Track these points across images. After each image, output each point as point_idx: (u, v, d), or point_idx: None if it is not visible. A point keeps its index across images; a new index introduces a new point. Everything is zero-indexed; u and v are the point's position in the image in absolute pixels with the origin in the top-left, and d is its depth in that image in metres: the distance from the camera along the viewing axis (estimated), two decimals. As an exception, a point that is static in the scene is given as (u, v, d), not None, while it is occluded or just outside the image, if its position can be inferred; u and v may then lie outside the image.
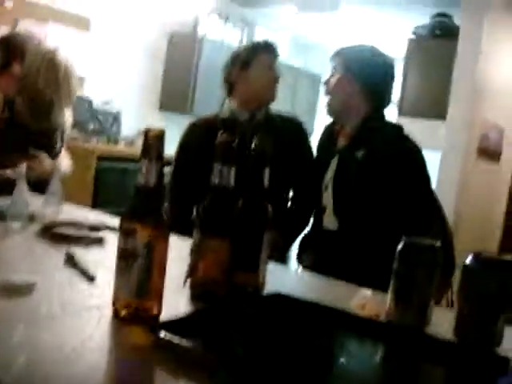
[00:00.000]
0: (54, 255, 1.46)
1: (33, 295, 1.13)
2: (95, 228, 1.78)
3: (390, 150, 2.06)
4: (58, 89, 2.54)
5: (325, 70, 2.31)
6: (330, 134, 2.28)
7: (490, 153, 5.23)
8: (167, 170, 2.36)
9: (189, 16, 6.34)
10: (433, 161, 4.85)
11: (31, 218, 1.79)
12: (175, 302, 1.18)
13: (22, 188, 1.80)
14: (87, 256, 1.45)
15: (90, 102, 5.36)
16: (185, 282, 1.24)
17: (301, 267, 2.22)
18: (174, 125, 5.89)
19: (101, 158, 4.93)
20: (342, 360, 1.07)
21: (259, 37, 6.93)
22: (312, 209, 2.24)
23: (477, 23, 4.67)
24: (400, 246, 1.23)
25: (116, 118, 5.63)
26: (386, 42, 6.62)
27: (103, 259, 1.44)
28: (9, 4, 4.78)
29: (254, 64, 2.36)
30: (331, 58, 2.20)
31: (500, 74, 5.16)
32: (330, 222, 2.13)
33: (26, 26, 4.67)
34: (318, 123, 6.93)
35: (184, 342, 0.92)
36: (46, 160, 2.63)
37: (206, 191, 1.22)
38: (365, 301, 1.29)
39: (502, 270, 1.15)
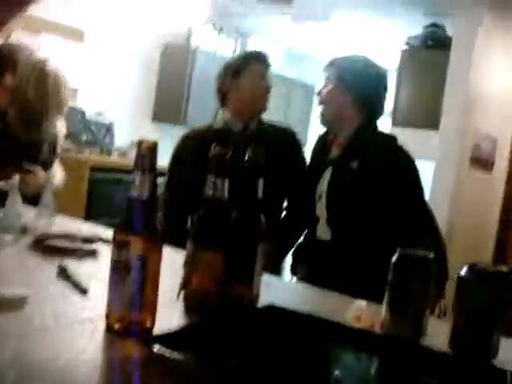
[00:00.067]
0: (47, 268, 1.44)
1: (25, 308, 1.11)
2: (88, 240, 1.77)
3: (383, 160, 2.06)
4: (47, 99, 2.54)
5: (318, 80, 2.32)
6: (323, 144, 2.28)
7: (482, 162, 5.25)
8: (160, 180, 2.36)
9: (182, 27, 6.35)
10: (426, 171, 4.86)
11: (23, 231, 1.78)
12: (169, 314, 1.17)
13: (15, 200, 1.79)
14: (80, 268, 1.44)
15: (82, 113, 5.35)
16: (178, 294, 1.23)
17: (295, 278, 2.21)
18: (168, 136, 5.89)
19: (94, 169, 4.92)
20: (338, 372, 1.06)
21: (252, 47, 6.95)
22: (306, 219, 2.24)
23: (469, 34, 4.70)
24: (394, 258, 1.23)
25: (109, 129, 5.62)
26: (379, 52, 6.65)
27: (96, 271, 1.43)
28: (1, 15, 4.78)
29: (245, 73, 2.36)
30: (324, 69, 2.21)
31: (492, 84, 5.18)
32: (323, 232, 2.12)
33: (18, 38, 4.67)
34: (312, 133, 6.94)
35: (177, 356, 0.91)
36: (40, 174, 2.62)
37: (199, 203, 1.21)
38: (360, 312, 1.28)
39: (497, 280, 1.15)
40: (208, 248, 1.19)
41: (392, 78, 5.53)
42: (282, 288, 1.70)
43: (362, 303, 1.33)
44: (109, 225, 1.60)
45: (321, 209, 2.14)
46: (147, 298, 1.05)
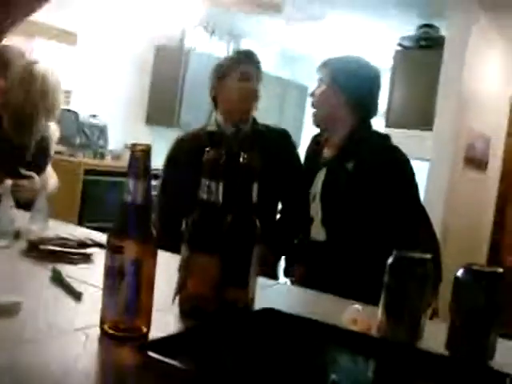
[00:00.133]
0: (41, 273, 1.43)
1: (18, 315, 1.10)
2: (83, 244, 1.76)
3: (378, 161, 2.05)
4: (35, 101, 2.52)
5: (312, 81, 2.31)
6: (316, 144, 2.28)
7: (476, 162, 5.26)
8: (154, 183, 2.34)
9: (175, 29, 6.34)
10: (420, 171, 4.87)
11: (17, 235, 1.76)
12: (164, 319, 1.16)
13: (8, 204, 1.78)
14: (74, 273, 1.43)
15: (76, 116, 5.33)
16: (174, 298, 1.22)
17: (288, 281, 2.20)
18: (161, 138, 5.89)
19: (88, 172, 4.91)
20: (334, 376, 1.05)
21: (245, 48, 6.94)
22: (301, 221, 2.23)
23: (462, 34, 4.71)
24: (391, 260, 1.22)
25: (102, 131, 5.61)
26: (373, 53, 6.66)
27: (91, 276, 1.41)
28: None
29: (230, 75, 2.34)
30: (317, 70, 2.21)
31: (485, 84, 5.19)
32: (317, 232, 2.12)
33: (11, 41, 4.65)
34: (306, 134, 6.93)
35: (173, 362, 0.91)
36: (36, 179, 2.61)
37: (193, 206, 1.20)
38: (356, 315, 1.28)
39: (493, 281, 1.14)
40: (203, 252, 1.18)
41: (385, 79, 5.55)
42: (277, 291, 1.70)
43: (358, 306, 1.33)
44: (103, 228, 1.59)
45: (315, 209, 2.13)
46: (142, 303, 1.04)
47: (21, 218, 1.89)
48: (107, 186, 4.95)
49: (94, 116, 5.57)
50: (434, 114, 4.85)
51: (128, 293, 1.03)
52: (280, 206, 2.43)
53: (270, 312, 1.24)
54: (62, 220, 2.26)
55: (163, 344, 0.98)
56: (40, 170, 2.70)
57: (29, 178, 2.58)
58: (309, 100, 2.28)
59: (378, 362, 1.12)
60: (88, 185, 4.93)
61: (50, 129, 2.76)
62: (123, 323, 1.03)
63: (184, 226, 1.21)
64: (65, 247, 1.68)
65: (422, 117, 5.13)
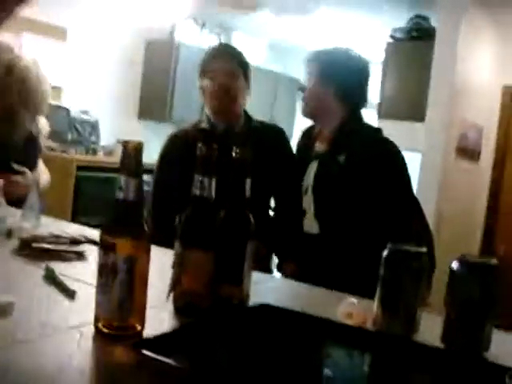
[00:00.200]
0: (33, 271, 1.42)
1: (11, 315, 1.09)
2: (76, 241, 1.75)
3: (370, 153, 2.05)
4: (16, 96, 2.50)
5: (304, 74, 2.30)
6: (307, 137, 2.27)
7: (469, 153, 5.27)
8: (147, 178, 2.33)
9: (165, 23, 6.31)
10: (413, 162, 4.87)
11: (9, 233, 1.75)
12: (158, 316, 1.16)
13: (-1, 203, 1.77)
14: (68, 271, 1.42)
15: (67, 112, 5.31)
16: (168, 295, 1.22)
17: (282, 276, 2.20)
18: (153, 133, 5.88)
19: (80, 168, 4.89)
20: (330, 370, 1.05)
21: (236, 42, 6.92)
22: (294, 216, 2.22)
23: (453, 24, 4.71)
24: (386, 253, 1.22)
25: (94, 127, 5.59)
26: (364, 45, 6.65)
27: (84, 274, 1.40)
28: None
29: (206, 74, 2.31)
30: (305, 63, 2.19)
31: (477, 74, 5.20)
32: (310, 225, 2.11)
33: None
34: (298, 127, 6.93)
35: (168, 360, 0.90)
36: (28, 175, 2.59)
37: (186, 202, 1.19)
38: (351, 309, 1.27)
39: (488, 273, 1.14)
40: (197, 248, 1.18)
41: (377, 71, 5.55)
42: (272, 286, 1.69)
43: (353, 300, 1.32)
44: (96, 224, 1.58)
45: (307, 202, 2.13)
46: (136, 300, 1.04)
47: (12, 216, 1.88)
48: (100, 181, 4.94)
49: (86, 112, 5.55)
50: (426, 104, 4.85)
51: (121, 290, 1.02)
52: (273, 202, 2.42)
53: (264, 307, 1.24)
54: (54, 216, 2.25)
55: (157, 342, 0.97)
56: (31, 164, 2.68)
57: (22, 173, 2.56)
58: (300, 94, 2.27)
59: (373, 356, 1.12)
60: (80, 181, 4.91)
61: (39, 123, 2.74)
62: (117, 321, 1.03)
63: (177, 222, 1.20)
64: (57, 245, 1.67)
65: (414, 108, 5.13)
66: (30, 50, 4.78)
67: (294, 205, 2.23)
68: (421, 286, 1.21)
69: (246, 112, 2.41)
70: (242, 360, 1.05)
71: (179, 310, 1.20)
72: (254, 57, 6.77)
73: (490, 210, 5.77)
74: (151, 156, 2.58)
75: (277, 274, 2.25)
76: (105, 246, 1.03)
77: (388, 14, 5.60)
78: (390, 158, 2.09)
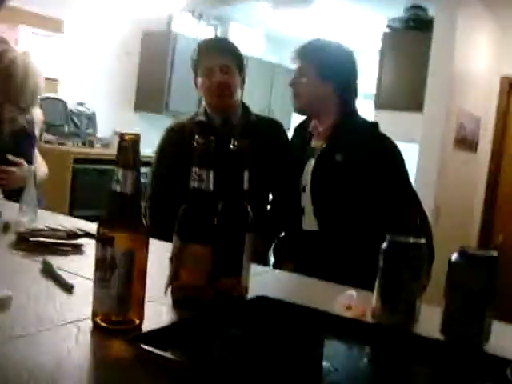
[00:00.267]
0: (31, 265, 1.41)
1: (8, 310, 1.09)
2: (73, 235, 1.74)
3: (367, 149, 2.03)
4: (5, 88, 2.48)
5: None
6: (302, 134, 2.24)
7: (467, 142, 5.27)
8: (143, 170, 2.32)
9: (162, 14, 6.28)
10: (410, 153, 4.87)
11: (6, 227, 1.74)
12: (157, 310, 1.15)
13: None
14: (65, 265, 1.41)
15: (64, 104, 5.29)
16: (166, 289, 1.21)
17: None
18: (150, 125, 5.87)
19: (77, 161, 4.88)
20: (329, 362, 1.05)
21: (233, 33, 6.90)
22: (291, 211, 2.20)
23: (451, 14, 4.69)
24: (385, 245, 1.21)
25: (91, 119, 5.57)
26: (361, 35, 6.63)
27: (82, 268, 1.40)
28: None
29: (199, 70, 2.30)
30: (295, 58, 2.15)
31: (475, 64, 5.19)
32: (309, 223, 2.10)
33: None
34: (295, 118, 6.91)
35: (166, 354, 0.90)
36: (25, 166, 2.58)
37: (184, 196, 1.19)
38: (350, 301, 1.27)
39: (488, 265, 1.14)
40: (195, 241, 1.17)
41: (374, 60, 5.53)
42: (270, 278, 1.69)
43: (352, 292, 1.32)
44: (94, 216, 1.57)
45: (305, 200, 2.11)
46: (134, 295, 1.03)
47: (9, 210, 1.87)
48: (97, 173, 4.93)
49: (82, 104, 5.53)
50: (423, 95, 4.84)
51: (120, 284, 1.01)
52: (270, 197, 2.41)
53: (263, 300, 1.23)
54: (52, 209, 2.24)
55: (156, 336, 0.97)
56: (27, 155, 2.66)
57: (18, 164, 2.55)
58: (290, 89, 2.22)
59: (372, 348, 1.12)
60: (78, 173, 4.90)
61: (34, 114, 2.72)
62: (115, 315, 1.02)
63: (178, 214, 1.19)
64: (55, 238, 1.66)
65: (411, 98, 5.12)
66: (26, 42, 4.78)
67: (292, 199, 2.22)
68: (420, 277, 1.21)
69: (244, 104, 2.40)
70: (240, 353, 1.05)
71: (178, 303, 1.20)
72: (251, 48, 6.75)
73: (487, 199, 5.77)
74: (148, 148, 2.57)
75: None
76: (102, 240, 1.02)
77: (385, 4, 5.57)
78: (387, 154, 2.08)
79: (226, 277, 1.24)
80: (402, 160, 2.08)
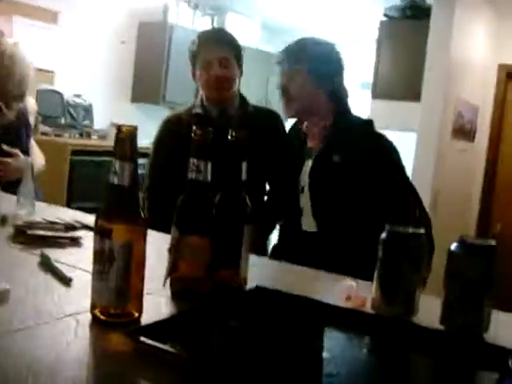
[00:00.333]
0: (29, 259, 1.41)
1: (7, 303, 1.08)
2: (71, 227, 1.74)
3: (363, 149, 2.01)
4: None
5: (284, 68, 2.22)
6: (298, 133, 2.21)
7: (465, 131, 5.26)
8: (142, 161, 2.31)
9: (158, 3, 6.25)
10: (408, 142, 4.87)
11: (3, 221, 1.74)
12: (156, 302, 1.15)
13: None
14: (63, 258, 1.41)
15: (61, 96, 5.27)
16: (165, 281, 1.21)
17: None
18: (147, 116, 5.85)
19: (74, 153, 4.87)
20: (329, 353, 1.04)
21: (230, 23, 6.87)
22: (288, 202, 2.19)
23: (449, 3, 4.67)
24: (384, 235, 1.21)
25: (88, 110, 5.55)
26: (358, 24, 6.61)
27: (80, 260, 1.39)
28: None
29: (197, 62, 2.28)
30: (284, 61, 2.11)
31: (473, 53, 5.17)
32: (308, 224, 2.08)
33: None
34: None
35: (166, 347, 0.89)
36: (21, 157, 2.57)
37: (181, 188, 1.18)
38: (350, 291, 1.27)
39: (487, 254, 1.13)
40: (193, 233, 1.17)
41: (371, 49, 5.52)
42: (269, 269, 1.68)
43: (351, 282, 1.32)
44: (91, 208, 1.57)
45: (304, 201, 2.09)
46: (133, 287, 1.03)
47: (7, 203, 1.86)
48: (94, 165, 4.92)
49: (79, 96, 5.51)
50: (421, 84, 4.82)
51: (118, 277, 1.01)
52: (267, 188, 2.40)
53: (262, 291, 1.23)
54: (49, 201, 2.23)
55: (155, 329, 0.97)
56: (23, 145, 2.64)
57: (13, 155, 2.53)
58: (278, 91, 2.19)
59: (372, 339, 1.11)
60: (75, 165, 4.88)
61: (28, 103, 2.71)
62: (114, 308, 1.02)
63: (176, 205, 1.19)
64: (53, 231, 1.66)
65: (409, 87, 5.10)
66: (21, 34, 4.76)
67: (287, 190, 2.20)
68: (419, 267, 1.20)
69: (241, 95, 2.39)
70: (239, 344, 1.04)
71: (176, 295, 1.19)
72: (247, 38, 6.73)
73: (485, 188, 5.77)
74: (145, 139, 2.56)
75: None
76: (101, 232, 1.02)
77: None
78: (384, 152, 2.06)
79: (225, 268, 1.24)
80: (398, 156, 2.07)
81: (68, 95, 5.38)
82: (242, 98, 2.38)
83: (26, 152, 2.65)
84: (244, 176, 1.25)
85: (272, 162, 2.26)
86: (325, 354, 1.02)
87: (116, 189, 1.02)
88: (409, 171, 2.21)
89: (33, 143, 2.81)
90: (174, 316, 1.11)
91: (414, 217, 2.06)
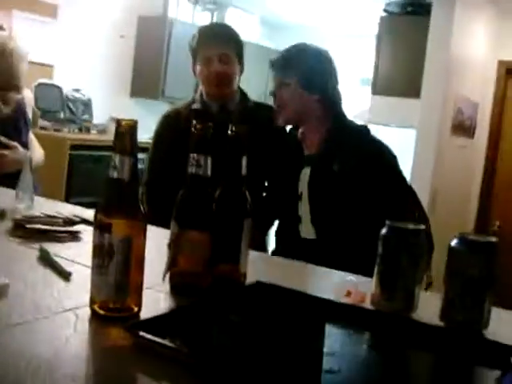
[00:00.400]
0: (28, 253, 1.41)
1: (6, 297, 1.08)
2: (70, 222, 1.73)
3: (361, 157, 1.99)
4: None
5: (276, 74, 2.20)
6: (294, 139, 2.19)
7: (464, 128, 5.26)
8: (141, 156, 2.30)
9: (157, -1, 6.24)
10: (408, 138, 4.86)
11: (2, 215, 1.73)
12: (155, 297, 1.15)
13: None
14: (62, 252, 1.40)
15: (60, 90, 5.26)
16: (164, 276, 1.20)
17: None
18: (146, 111, 5.84)
19: (73, 147, 4.86)
20: (328, 348, 1.04)
21: (230, 18, 6.85)
22: (285, 199, 2.17)
23: (449, -1, 4.66)
24: (384, 231, 1.21)
25: (87, 105, 5.54)
26: (358, 19, 6.60)
27: (79, 255, 1.39)
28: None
29: (197, 58, 2.27)
30: (277, 68, 2.09)
31: (473, 49, 5.16)
32: (307, 231, 2.06)
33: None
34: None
35: (165, 341, 0.89)
36: (19, 149, 2.56)
37: (182, 182, 1.18)
38: (349, 287, 1.27)
39: (489, 251, 1.13)
40: (193, 227, 1.16)
41: (371, 45, 5.51)
42: (268, 264, 1.68)
43: (351, 278, 1.32)
44: (90, 203, 1.56)
45: (302, 208, 2.08)
46: (132, 282, 1.02)
47: (5, 197, 1.85)
48: (94, 160, 4.91)
49: (78, 90, 5.50)
50: (421, 80, 4.81)
51: (117, 271, 1.01)
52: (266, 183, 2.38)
53: (262, 286, 1.23)
54: (48, 196, 2.23)
55: (155, 323, 0.97)
56: (21, 138, 2.64)
57: (11, 147, 2.52)
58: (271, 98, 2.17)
59: (372, 334, 1.11)
60: (74, 160, 4.87)
61: (24, 96, 2.70)
62: (113, 303, 1.02)
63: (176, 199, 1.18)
64: (52, 225, 1.65)
65: (409, 84, 5.09)
66: (20, 28, 4.74)
67: (283, 189, 2.19)
68: (419, 263, 1.20)
69: (241, 91, 2.38)
70: (239, 339, 1.04)
71: (176, 290, 1.19)
72: (247, 33, 6.71)
73: (484, 185, 5.77)
74: (144, 134, 2.55)
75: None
76: (100, 227, 1.02)
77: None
78: (382, 158, 2.04)
79: (224, 263, 1.24)
80: (396, 161, 2.06)
81: (67, 89, 5.37)
82: (243, 94, 2.38)
83: (25, 145, 2.65)
84: (244, 171, 1.25)
85: (271, 158, 2.24)
86: (323, 350, 1.02)
87: (116, 183, 1.02)
88: (408, 167, 2.21)
89: (32, 137, 2.80)
90: (173, 311, 1.11)
91: (412, 216, 2.05)
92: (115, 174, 1.01)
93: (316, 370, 0.93)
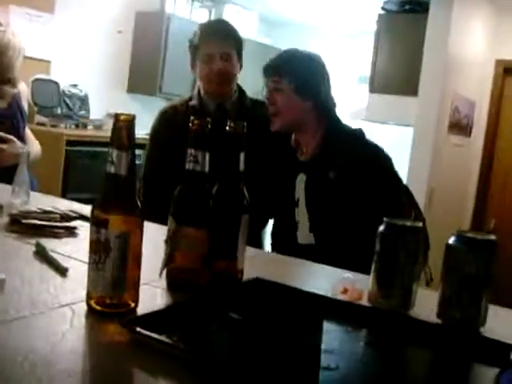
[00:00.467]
0: (24, 248, 1.40)
1: (2, 292, 1.07)
2: (67, 217, 1.73)
3: (358, 163, 1.99)
4: None
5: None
6: (289, 146, 2.18)
7: (461, 126, 5.26)
8: (138, 152, 2.30)
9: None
10: (405, 136, 4.87)
11: (-2, 210, 1.73)
12: (152, 293, 1.15)
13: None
14: (59, 248, 1.40)
15: (57, 86, 5.24)
16: (161, 272, 1.20)
17: None
18: (144, 107, 5.83)
19: (70, 143, 4.84)
20: (325, 346, 1.04)
21: (227, 15, 6.84)
22: (280, 201, 2.17)
23: (447, -3, 4.66)
24: (382, 227, 1.21)
25: (84, 101, 5.52)
26: (356, 17, 6.59)
27: (76, 250, 1.39)
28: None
29: (197, 55, 2.26)
30: (270, 74, 2.08)
31: (470, 48, 5.17)
32: (305, 238, 2.05)
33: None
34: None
35: (162, 337, 0.89)
36: (17, 143, 2.55)
37: (179, 178, 1.17)
38: (346, 284, 1.26)
39: (487, 249, 1.13)
40: (190, 224, 1.16)
41: (369, 42, 5.51)
42: (266, 261, 1.68)
43: (348, 275, 1.31)
44: (87, 199, 1.56)
45: (299, 214, 2.07)
46: (129, 277, 1.02)
47: (1, 192, 1.85)
48: (90, 155, 4.90)
49: (75, 86, 5.48)
50: (418, 78, 4.82)
51: (114, 267, 1.00)
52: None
53: (260, 282, 1.23)
54: (45, 192, 2.22)
55: (151, 319, 0.96)
56: (18, 132, 2.62)
57: (8, 141, 2.51)
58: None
59: (369, 332, 1.11)
60: (71, 155, 4.86)
61: (20, 89, 2.69)
62: (110, 298, 1.01)
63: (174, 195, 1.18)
64: (48, 221, 1.65)
65: (406, 82, 5.09)
66: (17, 23, 4.72)
67: (278, 192, 2.18)
68: (417, 261, 1.20)
69: (240, 88, 2.37)
70: (236, 336, 1.04)
71: (172, 286, 1.19)
72: (245, 30, 6.70)
73: (481, 184, 5.78)
74: (141, 130, 2.55)
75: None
76: (97, 222, 1.01)
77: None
78: (379, 163, 2.04)
79: (222, 259, 1.24)
80: (391, 163, 2.05)
81: (64, 85, 5.35)
82: (241, 91, 2.37)
83: (22, 139, 2.64)
84: (242, 167, 1.24)
85: (267, 156, 2.23)
86: (320, 347, 1.02)
87: (113, 178, 1.01)
88: (405, 165, 2.21)
89: (28, 131, 2.79)
90: (170, 306, 1.10)
91: (409, 215, 2.05)
92: (112, 169, 1.01)
93: (314, 367, 0.93)
